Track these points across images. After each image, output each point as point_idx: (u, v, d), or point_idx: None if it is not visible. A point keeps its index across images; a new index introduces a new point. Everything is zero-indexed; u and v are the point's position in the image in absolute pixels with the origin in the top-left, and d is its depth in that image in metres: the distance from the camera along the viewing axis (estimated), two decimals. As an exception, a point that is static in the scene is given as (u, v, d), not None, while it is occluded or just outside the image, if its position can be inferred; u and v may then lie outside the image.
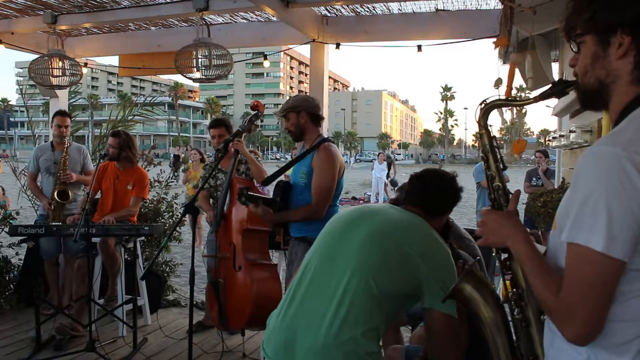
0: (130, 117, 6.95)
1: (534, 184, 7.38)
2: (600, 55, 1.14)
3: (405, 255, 1.70)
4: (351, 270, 1.68)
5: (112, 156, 4.51)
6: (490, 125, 1.41)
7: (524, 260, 1.19)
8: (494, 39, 3.83)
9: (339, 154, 3.22)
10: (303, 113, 3.22)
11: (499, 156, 1.40)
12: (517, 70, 3.78)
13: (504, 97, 1.40)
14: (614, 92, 1.15)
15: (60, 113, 4.87)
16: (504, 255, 1.35)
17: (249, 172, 4.14)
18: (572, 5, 1.19)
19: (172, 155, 23.64)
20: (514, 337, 1.37)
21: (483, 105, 1.40)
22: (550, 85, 1.31)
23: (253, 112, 3.68)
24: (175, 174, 16.66)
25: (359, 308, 1.64)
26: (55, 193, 4.60)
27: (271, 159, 70.45)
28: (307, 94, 5.20)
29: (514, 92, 3.87)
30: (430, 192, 1.95)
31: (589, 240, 1.03)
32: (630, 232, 1.01)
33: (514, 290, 1.31)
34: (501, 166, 1.40)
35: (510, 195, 1.36)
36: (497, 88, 3.67)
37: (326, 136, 3.43)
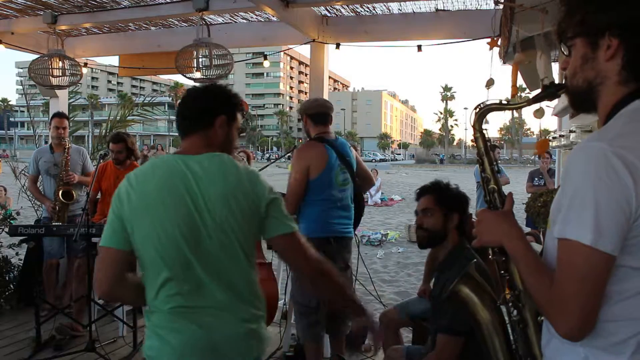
0: (130, 117, 6.95)
1: (536, 183, 7.40)
2: (590, 57, 1.16)
3: (242, 204, 1.59)
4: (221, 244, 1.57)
5: (121, 160, 4.52)
6: (485, 129, 1.42)
7: (519, 257, 1.20)
8: (489, 40, 3.82)
9: (309, 152, 3.21)
10: (304, 117, 3.35)
11: (494, 159, 1.41)
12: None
13: (498, 101, 1.41)
14: (602, 93, 1.17)
15: (57, 115, 4.86)
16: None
17: None
18: (563, 9, 1.21)
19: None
20: (512, 339, 1.37)
21: (478, 109, 1.41)
22: (541, 88, 1.33)
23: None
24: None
25: (244, 277, 1.62)
26: (60, 193, 4.59)
27: (271, 158, 70.48)
28: (307, 94, 5.21)
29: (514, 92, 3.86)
30: (193, 113, 1.74)
31: (577, 235, 1.04)
32: (619, 226, 1.03)
33: (512, 291, 1.31)
34: (496, 168, 1.41)
35: (505, 197, 1.37)
36: (489, 89, 3.65)
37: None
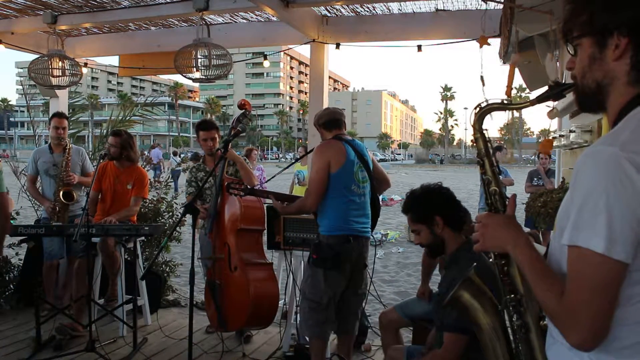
0: (130, 118, 6.95)
1: (535, 183, 7.42)
2: (597, 57, 1.14)
3: None
4: None
5: (114, 155, 4.50)
6: (486, 129, 1.39)
7: (526, 264, 1.17)
8: (478, 38, 3.81)
9: (329, 148, 3.28)
10: (318, 128, 3.47)
11: (494, 160, 1.38)
12: (516, 71, 3.77)
13: (499, 101, 1.38)
14: (611, 94, 1.15)
15: (57, 115, 4.86)
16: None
17: (238, 175, 4.14)
18: (569, 8, 1.19)
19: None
20: (513, 344, 1.35)
21: (478, 109, 1.38)
22: (547, 88, 1.30)
23: (241, 111, 3.72)
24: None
25: None
26: (61, 194, 4.59)
27: (271, 158, 70.42)
28: (307, 94, 5.22)
29: (513, 92, 3.85)
30: None
31: (589, 242, 1.01)
32: (632, 233, 0.99)
33: (513, 295, 1.29)
34: (497, 170, 1.38)
35: (507, 199, 1.34)
36: (484, 86, 3.64)
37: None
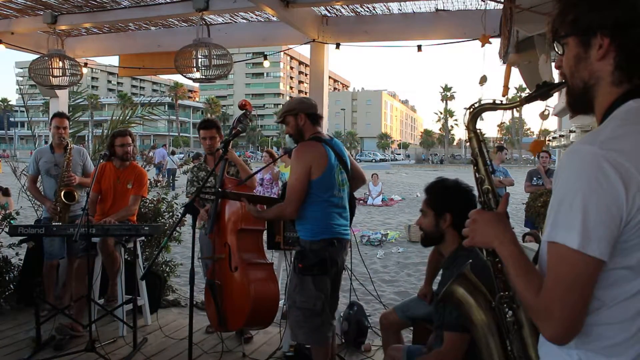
0: (133, 118, 6.96)
1: (535, 183, 7.42)
2: (582, 56, 1.16)
3: None
4: None
5: (131, 154, 4.55)
6: (479, 129, 1.42)
7: (508, 260, 1.20)
8: (480, 37, 3.81)
9: (310, 152, 3.11)
10: (301, 115, 3.20)
11: (488, 159, 1.41)
12: (516, 71, 3.78)
13: (491, 101, 1.41)
14: (597, 93, 1.16)
15: (58, 115, 4.86)
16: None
17: (238, 175, 4.13)
18: (557, 8, 1.21)
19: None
20: (507, 340, 1.37)
21: (471, 109, 1.41)
22: (535, 88, 1.32)
23: (242, 112, 3.70)
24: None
25: None
26: (62, 194, 4.58)
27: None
28: (307, 94, 5.21)
29: (513, 92, 3.86)
30: None
31: (565, 239, 1.03)
32: (607, 230, 1.01)
33: (506, 292, 1.31)
34: (490, 169, 1.40)
35: (500, 198, 1.36)
36: (482, 85, 3.65)
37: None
